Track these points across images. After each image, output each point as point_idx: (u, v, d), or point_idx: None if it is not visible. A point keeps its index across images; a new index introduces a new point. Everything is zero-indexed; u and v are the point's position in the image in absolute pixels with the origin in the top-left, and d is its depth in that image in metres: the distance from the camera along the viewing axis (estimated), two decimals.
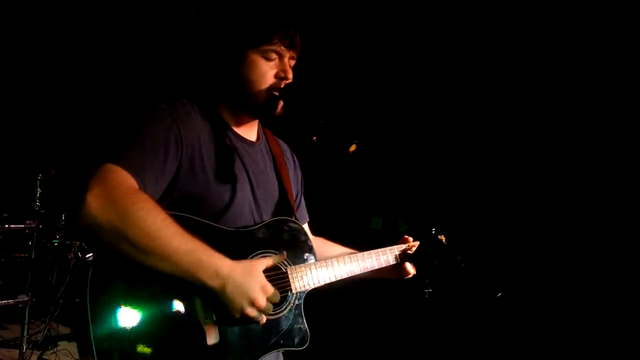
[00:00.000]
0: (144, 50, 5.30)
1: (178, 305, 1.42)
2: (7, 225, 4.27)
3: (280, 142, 1.97)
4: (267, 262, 1.52)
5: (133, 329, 1.35)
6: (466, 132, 3.99)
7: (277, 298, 1.50)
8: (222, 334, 1.46)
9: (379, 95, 4.43)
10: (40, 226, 4.41)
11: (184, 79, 4.02)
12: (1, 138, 5.47)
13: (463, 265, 1.67)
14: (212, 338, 1.44)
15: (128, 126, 1.52)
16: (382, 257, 1.88)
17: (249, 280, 1.42)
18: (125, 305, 1.36)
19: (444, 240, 1.86)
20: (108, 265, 1.37)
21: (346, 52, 4.44)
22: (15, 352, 4.27)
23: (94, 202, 1.31)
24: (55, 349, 4.37)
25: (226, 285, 1.39)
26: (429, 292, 1.75)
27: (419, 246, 1.87)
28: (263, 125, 1.90)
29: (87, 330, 1.30)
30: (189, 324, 1.42)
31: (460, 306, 3.31)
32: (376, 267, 1.86)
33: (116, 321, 1.34)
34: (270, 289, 1.47)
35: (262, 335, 1.54)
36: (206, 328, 1.43)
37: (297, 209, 1.93)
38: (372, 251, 1.87)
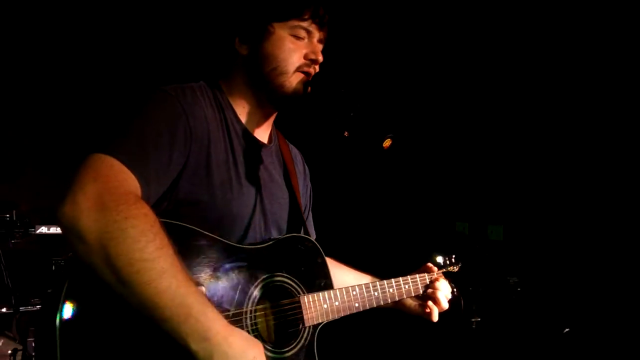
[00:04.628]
0: (144, 27, 4.11)
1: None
2: None
3: (292, 147, 1.72)
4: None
5: None
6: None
7: None
8: None
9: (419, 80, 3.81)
10: None
11: (193, 58, 3.42)
12: None
13: (519, 289, 1.33)
14: None
15: (128, 111, 1.26)
16: (410, 286, 1.65)
17: (244, 356, 1.12)
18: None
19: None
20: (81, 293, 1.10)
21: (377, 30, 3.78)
22: None
23: (85, 204, 1.05)
24: None
25: (213, 354, 1.09)
26: (477, 321, 1.44)
27: (462, 265, 1.58)
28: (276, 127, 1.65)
29: None
30: None
31: (515, 341, 2.68)
32: (403, 297, 1.65)
33: None
34: None
35: None
36: None
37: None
38: (399, 279, 1.65)
